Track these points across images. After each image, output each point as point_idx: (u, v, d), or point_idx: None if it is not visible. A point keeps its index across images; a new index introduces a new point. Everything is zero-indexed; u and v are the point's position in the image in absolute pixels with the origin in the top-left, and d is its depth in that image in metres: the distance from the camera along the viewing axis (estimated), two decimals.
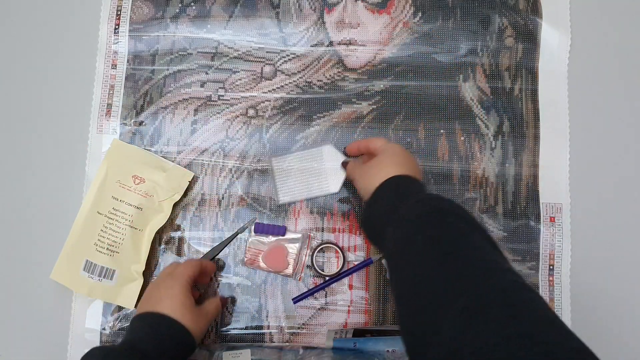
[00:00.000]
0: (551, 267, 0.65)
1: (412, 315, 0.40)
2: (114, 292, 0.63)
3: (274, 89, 0.68)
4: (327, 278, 0.64)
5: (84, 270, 0.62)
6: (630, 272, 0.65)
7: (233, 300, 0.64)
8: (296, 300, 0.64)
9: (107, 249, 0.63)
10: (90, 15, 0.70)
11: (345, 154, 0.65)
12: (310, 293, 0.64)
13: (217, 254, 0.65)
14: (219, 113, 0.68)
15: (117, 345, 0.51)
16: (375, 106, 0.68)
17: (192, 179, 0.66)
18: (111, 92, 0.68)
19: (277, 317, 0.64)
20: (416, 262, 0.42)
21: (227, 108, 0.68)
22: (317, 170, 0.66)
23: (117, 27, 0.70)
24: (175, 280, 0.55)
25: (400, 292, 0.43)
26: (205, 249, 0.65)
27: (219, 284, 0.65)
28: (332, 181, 0.65)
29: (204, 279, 0.62)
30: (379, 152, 0.57)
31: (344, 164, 0.64)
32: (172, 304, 0.53)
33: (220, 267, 0.65)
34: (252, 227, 0.65)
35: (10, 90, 0.70)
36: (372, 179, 0.54)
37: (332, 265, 0.64)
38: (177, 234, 0.66)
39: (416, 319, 0.39)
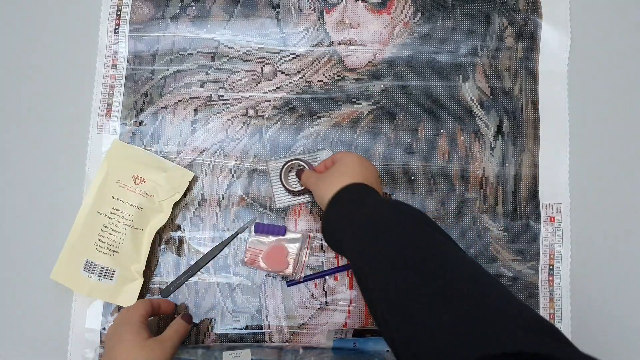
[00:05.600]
0: (551, 267, 0.65)
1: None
2: (114, 292, 0.63)
3: (274, 89, 0.68)
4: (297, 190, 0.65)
5: (84, 270, 0.62)
6: (630, 272, 0.65)
7: (233, 298, 0.64)
8: (290, 284, 0.64)
9: (108, 248, 0.63)
10: (90, 15, 0.70)
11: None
12: (305, 280, 0.64)
13: (217, 254, 0.65)
14: (219, 113, 0.68)
15: None
16: (375, 106, 0.68)
17: (192, 179, 0.66)
18: (111, 92, 0.69)
19: (277, 317, 0.64)
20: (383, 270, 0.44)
21: (227, 108, 0.68)
22: None
23: (117, 27, 0.70)
24: (124, 325, 0.55)
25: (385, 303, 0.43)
26: (205, 249, 0.65)
27: (186, 307, 0.64)
28: None
29: (162, 313, 0.61)
30: (336, 162, 0.59)
31: (298, 174, 0.64)
32: (123, 348, 0.53)
33: (182, 312, 0.60)
34: (252, 227, 0.65)
35: (10, 90, 0.70)
36: (327, 188, 0.56)
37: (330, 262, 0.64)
38: (177, 234, 0.66)
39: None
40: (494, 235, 0.65)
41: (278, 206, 0.65)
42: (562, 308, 0.64)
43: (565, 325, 0.63)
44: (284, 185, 0.65)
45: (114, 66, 0.69)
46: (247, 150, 0.67)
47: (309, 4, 0.70)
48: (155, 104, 0.68)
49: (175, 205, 0.66)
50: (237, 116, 0.68)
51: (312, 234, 0.65)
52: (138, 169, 0.65)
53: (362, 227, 0.49)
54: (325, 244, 0.65)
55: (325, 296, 0.64)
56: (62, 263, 0.63)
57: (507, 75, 0.68)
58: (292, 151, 0.67)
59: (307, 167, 0.64)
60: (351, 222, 0.50)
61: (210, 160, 0.67)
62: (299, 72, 0.69)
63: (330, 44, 0.69)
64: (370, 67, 0.69)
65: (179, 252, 0.65)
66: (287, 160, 0.65)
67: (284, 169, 0.65)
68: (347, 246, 0.50)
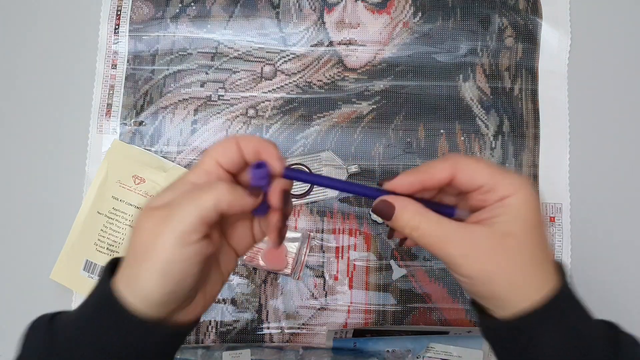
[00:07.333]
0: None
1: None
2: None
3: (274, 89, 0.68)
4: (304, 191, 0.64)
5: (84, 270, 0.62)
6: (630, 272, 0.65)
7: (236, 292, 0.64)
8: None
9: (108, 248, 0.63)
10: (90, 15, 0.70)
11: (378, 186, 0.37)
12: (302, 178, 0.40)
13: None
14: (219, 113, 0.68)
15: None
16: (375, 106, 0.68)
17: None
18: (111, 92, 0.69)
19: (277, 317, 0.64)
20: None
21: (227, 108, 0.68)
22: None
23: (117, 27, 0.70)
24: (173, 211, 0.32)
25: None
26: None
27: None
28: None
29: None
30: (511, 206, 0.33)
31: (379, 211, 0.35)
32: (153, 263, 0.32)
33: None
34: None
35: (10, 90, 0.70)
36: (519, 276, 0.32)
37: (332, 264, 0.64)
38: None
39: None
40: None
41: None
42: None
43: None
44: None
45: (114, 66, 0.69)
46: None
47: (309, 4, 0.70)
48: (155, 104, 0.68)
49: None
50: (237, 116, 0.68)
51: (312, 234, 0.65)
52: (138, 169, 0.65)
53: None
54: (325, 243, 0.65)
55: (325, 296, 0.64)
56: (62, 263, 0.63)
57: (507, 75, 0.68)
58: (292, 151, 0.67)
59: (307, 171, 0.64)
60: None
61: None
62: (299, 72, 0.69)
63: (330, 44, 0.69)
64: (370, 67, 0.69)
65: None
66: (288, 165, 0.65)
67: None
68: None
